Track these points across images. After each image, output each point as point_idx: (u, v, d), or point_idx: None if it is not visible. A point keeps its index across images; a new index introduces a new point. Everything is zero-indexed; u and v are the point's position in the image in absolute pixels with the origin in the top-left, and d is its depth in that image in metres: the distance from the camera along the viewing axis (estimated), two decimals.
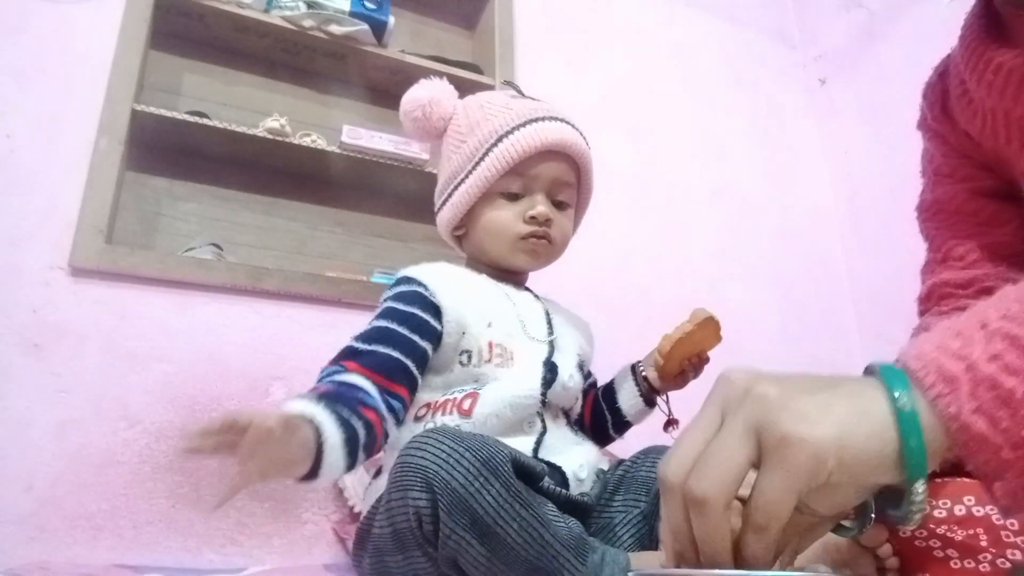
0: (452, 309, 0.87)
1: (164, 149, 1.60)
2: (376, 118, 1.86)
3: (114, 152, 1.43)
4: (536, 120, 0.94)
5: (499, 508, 0.63)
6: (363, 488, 1.22)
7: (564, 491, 0.78)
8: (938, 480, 0.58)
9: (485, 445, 0.66)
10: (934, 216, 0.85)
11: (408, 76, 1.82)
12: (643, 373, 1.01)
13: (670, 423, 1.01)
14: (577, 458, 0.86)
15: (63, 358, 1.32)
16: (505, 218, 0.93)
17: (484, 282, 0.95)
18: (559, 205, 0.96)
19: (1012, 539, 0.51)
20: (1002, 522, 0.52)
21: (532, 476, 0.70)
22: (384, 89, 1.85)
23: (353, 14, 1.71)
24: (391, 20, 1.78)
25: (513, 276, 0.99)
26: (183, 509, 1.31)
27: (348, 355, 0.81)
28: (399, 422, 0.80)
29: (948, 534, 0.53)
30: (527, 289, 1.01)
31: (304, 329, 1.52)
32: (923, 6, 2.00)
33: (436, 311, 0.87)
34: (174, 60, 1.70)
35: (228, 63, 1.76)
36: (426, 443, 0.66)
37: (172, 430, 1.34)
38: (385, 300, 0.89)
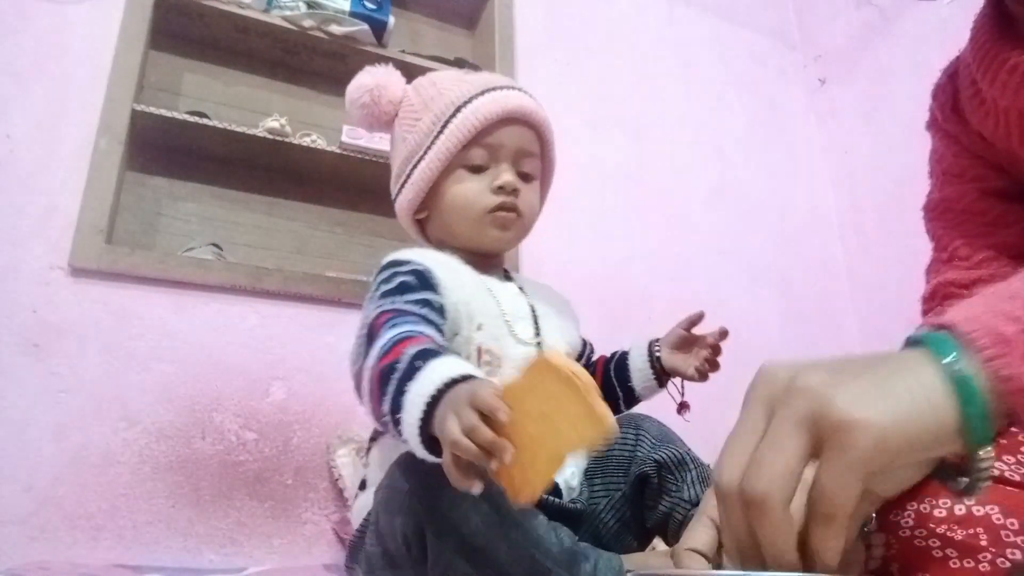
0: (452, 308, 0.81)
1: (164, 149, 1.60)
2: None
3: (114, 152, 1.43)
4: (494, 89, 0.89)
5: (487, 530, 0.61)
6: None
7: (557, 500, 0.77)
8: (937, 481, 0.58)
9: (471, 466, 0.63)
10: (941, 215, 0.84)
11: (408, 76, 1.82)
12: (658, 354, 0.98)
13: (683, 406, 0.97)
14: (568, 466, 0.83)
15: (63, 358, 1.32)
16: (471, 191, 0.88)
17: (469, 274, 0.87)
18: (524, 177, 0.91)
19: (1012, 538, 0.51)
20: (1002, 521, 0.52)
21: None
22: None
23: (353, 14, 1.71)
24: (391, 20, 1.78)
25: (489, 261, 0.92)
26: (183, 509, 1.31)
27: (402, 320, 0.73)
28: None
29: (948, 533, 0.53)
30: (508, 278, 0.95)
31: (304, 329, 1.52)
32: (923, 6, 2.00)
33: (442, 310, 0.79)
34: (174, 60, 1.71)
35: (228, 63, 1.76)
36: (411, 467, 0.63)
37: (172, 430, 1.35)
38: (397, 276, 0.80)
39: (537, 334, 0.89)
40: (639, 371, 0.98)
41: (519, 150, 0.90)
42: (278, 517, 1.38)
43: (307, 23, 1.66)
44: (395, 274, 0.81)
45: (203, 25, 1.67)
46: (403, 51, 1.81)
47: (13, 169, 1.38)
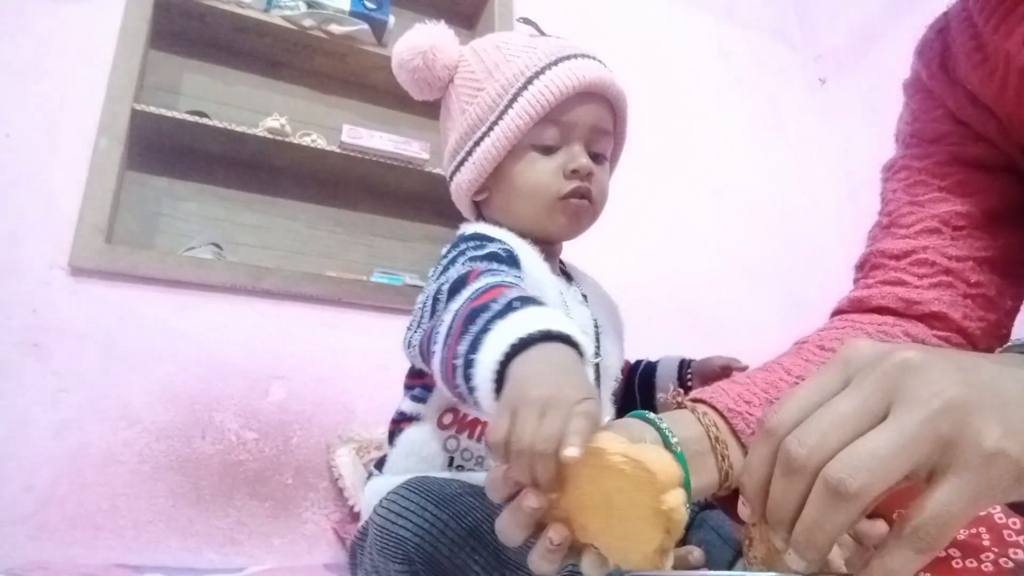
0: None
1: (164, 149, 1.60)
2: (376, 118, 1.86)
3: (114, 152, 1.43)
4: (569, 57, 0.80)
5: None
6: (361, 484, 1.18)
7: None
8: None
9: (471, 510, 0.59)
10: (895, 175, 0.77)
11: None
12: (690, 383, 0.94)
13: None
14: None
15: (63, 358, 1.31)
16: (542, 175, 0.80)
17: (546, 274, 0.79)
18: (596, 158, 0.83)
19: (1015, 538, 0.51)
20: (1004, 521, 0.52)
21: None
22: (384, 89, 1.85)
23: (353, 14, 1.71)
24: (391, 20, 1.78)
25: (552, 249, 0.86)
26: (183, 509, 1.31)
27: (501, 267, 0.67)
28: None
29: None
30: (568, 275, 0.90)
31: (304, 329, 1.52)
32: (923, 6, 2.00)
33: None
34: (174, 60, 1.71)
35: (228, 63, 1.76)
36: (407, 508, 0.58)
37: (172, 430, 1.35)
38: (478, 248, 0.73)
39: (597, 352, 0.83)
40: (666, 392, 0.94)
41: (594, 128, 0.82)
42: (278, 517, 1.37)
43: (307, 23, 1.66)
44: (484, 244, 0.74)
45: (203, 25, 1.66)
46: None
47: (13, 169, 1.38)
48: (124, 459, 1.30)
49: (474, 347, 0.49)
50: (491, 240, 0.75)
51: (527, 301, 0.51)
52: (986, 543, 0.51)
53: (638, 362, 1.01)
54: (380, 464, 0.79)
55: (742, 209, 2.19)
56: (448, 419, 0.75)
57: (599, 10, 2.19)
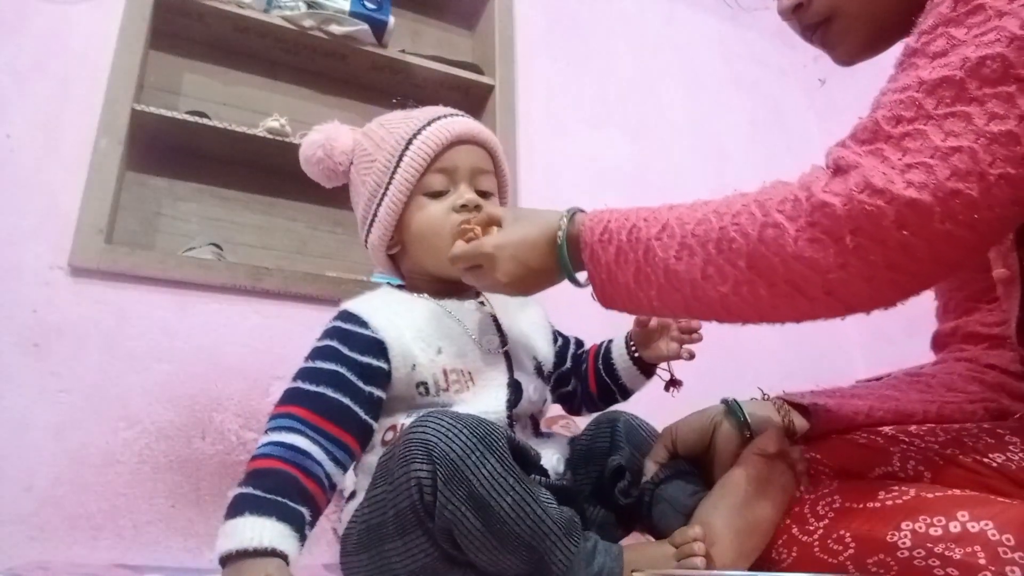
0: (396, 342, 0.84)
1: (164, 149, 1.60)
2: (376, 118, 1.85)
3: (114, 152, 1.43)
4: (440, 118, 0.94)
5: (494, 481, 0.66)
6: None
7: (546, 479, 0.80)
8: (930, 496, 0.59)
9: (482, 424, 0.69)
10: None
11: (408, 76, 1.83)
12: (635, 353, 1.01)
13: (673, 383, 1.00)
14: (551, 452, 0.87)
15: (63, 358, 1.32)
16: (435, 214, 0.91)
17: (424, 305, 0.91)
18: (483, 195, 0.94)
19: (1010, 555, 0.51)
20: (998, 537, 0.52)
21: (525, 460, 0.72)
22: (384, 89, 1.85)
23: (353, 14, 1.71)
24: (391, 20, 1.78)
25: (455, 288, 0.94)
26: (183, 509, 1.32)
27: (295, 400, 0.79)
28: (345, 471, 0.79)
29: (946, 553, 0.53)
30: (471, 297, 0.98)
31: (304, 329, 1.50)
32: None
33: (380, 348, 0.84)
34: (174, 60, 1.70)
35: (228, 63, 1.76)
36: (427, 420, 0.69)
37: (172, 430, 1.35)
38: (325, 337, 0.86)
39: (503, 343, 0.92)
40: (624, 370, 1.02)
41: (474, 169, 0.94)
42: None
43: (307, 23, 1.66)
44: (343, 342, 0.84)
45: (203, 25, 1.66)
46: (403, 51, 1.81)
47: (13, 169, 1.38)
48: (124, 459, 1.30)
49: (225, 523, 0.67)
50: (358, 327, 0.85)
51: (243, 506, 0.66)
52: (982, 562, 0.51)
53: (598, 350, 1.07)
54: (350, 498, 0.87)
55: None
56: (390, 436, 0.83)
57: (600, 11, 2.19)
